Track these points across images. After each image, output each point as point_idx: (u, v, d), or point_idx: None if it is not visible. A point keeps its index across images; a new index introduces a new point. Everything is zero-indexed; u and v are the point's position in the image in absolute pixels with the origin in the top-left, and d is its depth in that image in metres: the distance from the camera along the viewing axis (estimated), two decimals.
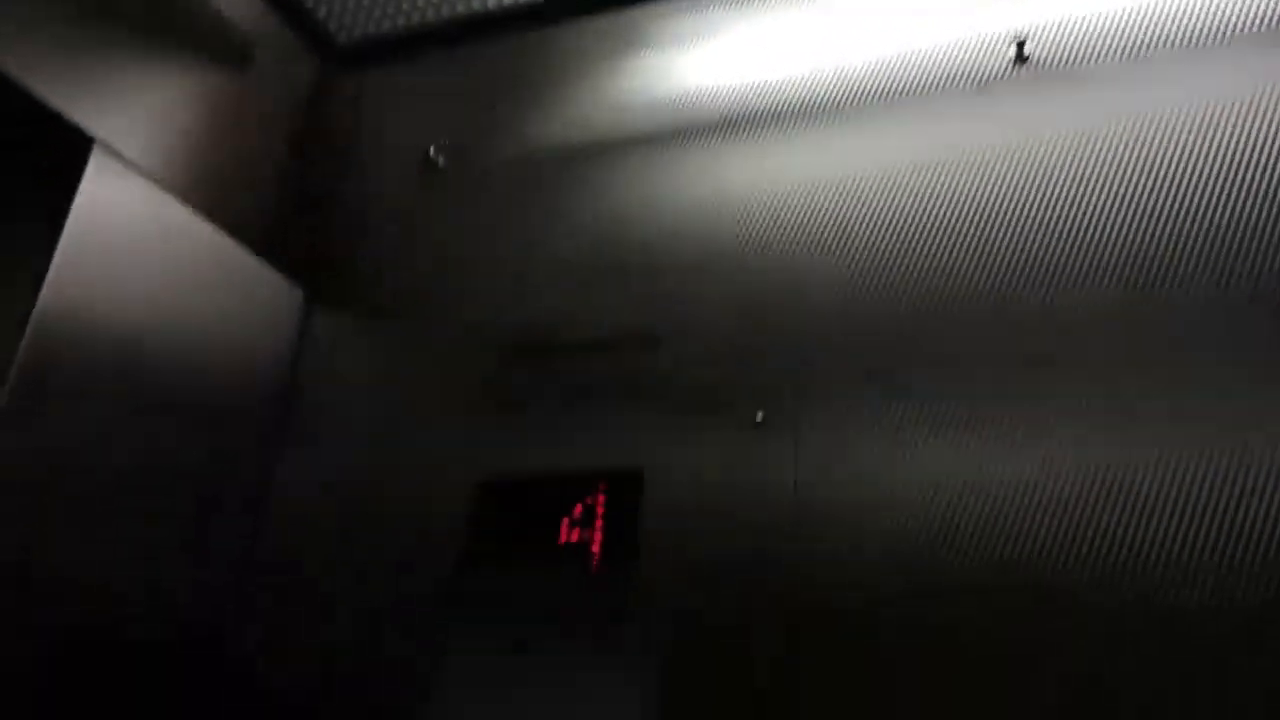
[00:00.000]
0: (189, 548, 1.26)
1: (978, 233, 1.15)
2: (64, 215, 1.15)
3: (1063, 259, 1.10)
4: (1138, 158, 1.11)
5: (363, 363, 1.40)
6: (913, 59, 1.28)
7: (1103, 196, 1.11)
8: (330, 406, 1.38)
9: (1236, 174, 1.06)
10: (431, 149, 1.52)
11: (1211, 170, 1.07)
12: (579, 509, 1.18)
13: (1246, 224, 1.03)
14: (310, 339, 1.46)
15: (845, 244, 1.21)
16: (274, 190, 1.51)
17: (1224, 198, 1.06)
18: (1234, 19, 1.13)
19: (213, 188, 1.39)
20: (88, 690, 1.12)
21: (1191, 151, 1.09)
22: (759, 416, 1.15)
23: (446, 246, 1.45)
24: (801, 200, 1.26)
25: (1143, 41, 1.17)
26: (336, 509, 1.30)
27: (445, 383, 1.33)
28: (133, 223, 1.24)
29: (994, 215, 1.15)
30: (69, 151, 1.18)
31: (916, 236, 1.18)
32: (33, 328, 1.09)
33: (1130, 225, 1.08)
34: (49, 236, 1.14)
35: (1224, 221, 1.04)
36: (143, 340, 1.23)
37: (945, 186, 1.19)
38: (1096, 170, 1.12)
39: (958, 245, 1.16)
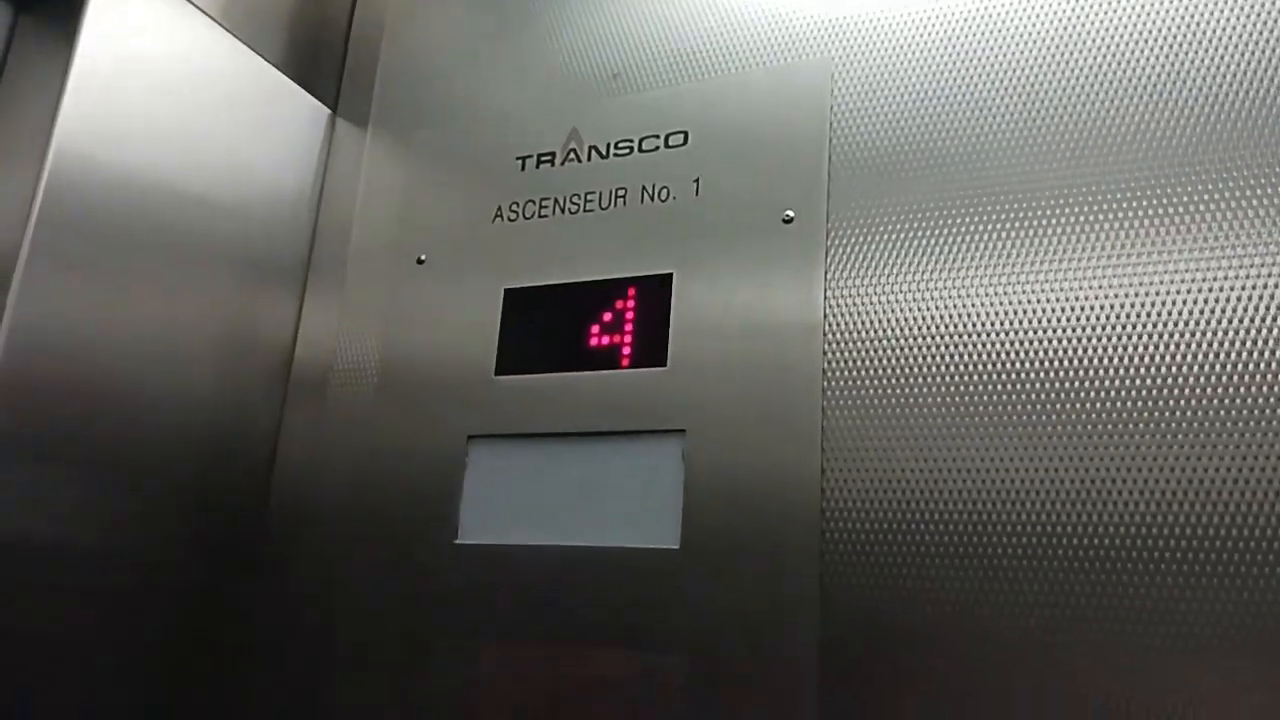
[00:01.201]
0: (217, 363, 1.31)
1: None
2: (75, 31, 1.12)
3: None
4: None
5: (387, 177, 1.39)
6: None
7: None
8: (358, 224, 1.38)
9: None
10: None
11: None
12: (608, 315, 1.18)
13: None
14: (336, 156, 1.45)
15: (878, 46, 1.14)
16: (289, 2, 1.46)
17: None
18: None
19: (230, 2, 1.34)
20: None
21: None
22: (788, 214, 1.11)
23: (467, 52, 1.40)
24: (829, 7, 1.19)
25: None
26: (366, 328, 1.32)
27: (470, 192, 1.31)
28: (149, 35, 1.21)
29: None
30: None
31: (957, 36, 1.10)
32: (51, 160, 1.08)
33: None
34: (63, 56, 1.13)
35: None
36: (166, 165, 1.21)
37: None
38: None
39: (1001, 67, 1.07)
